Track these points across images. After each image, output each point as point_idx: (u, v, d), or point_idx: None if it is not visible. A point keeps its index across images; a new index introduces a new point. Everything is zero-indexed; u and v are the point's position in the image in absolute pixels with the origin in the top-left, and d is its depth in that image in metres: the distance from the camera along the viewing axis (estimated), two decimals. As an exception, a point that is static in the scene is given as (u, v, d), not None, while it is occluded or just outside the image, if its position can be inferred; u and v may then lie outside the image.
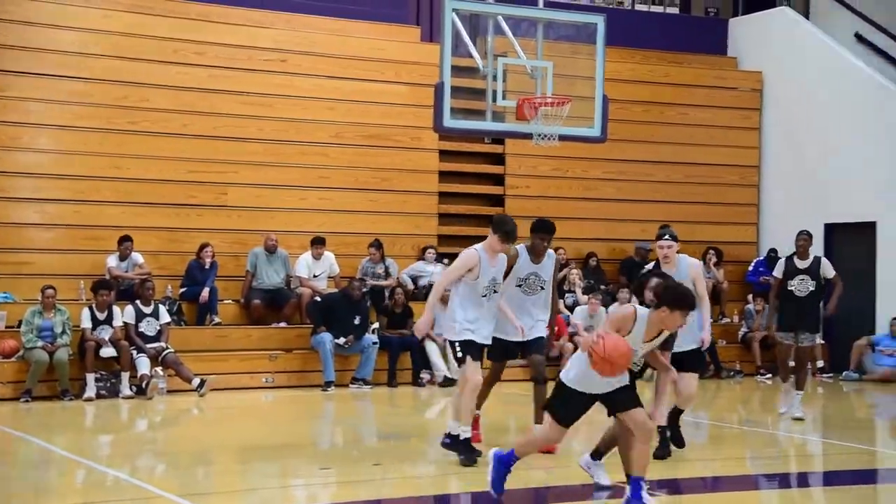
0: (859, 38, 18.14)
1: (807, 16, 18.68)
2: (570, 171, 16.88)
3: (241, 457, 9.32)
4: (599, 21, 11.59)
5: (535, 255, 8.81)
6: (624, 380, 6.60)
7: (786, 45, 18.16)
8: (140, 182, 14.58)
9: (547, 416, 6.83)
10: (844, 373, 15.80)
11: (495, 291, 8.41)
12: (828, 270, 11.65)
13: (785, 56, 18.12)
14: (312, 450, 10.11)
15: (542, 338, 8.91)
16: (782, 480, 8.69)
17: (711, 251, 16.89)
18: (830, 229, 16.79)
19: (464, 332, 8.31)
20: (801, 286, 11.44)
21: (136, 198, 14.54)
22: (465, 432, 8.37)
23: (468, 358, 8.29)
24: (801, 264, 11.57)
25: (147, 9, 14.97)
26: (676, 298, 6.50)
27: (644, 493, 6.71)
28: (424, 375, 14.24)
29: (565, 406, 6.71)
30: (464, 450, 8.36)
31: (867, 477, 8.76)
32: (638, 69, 17.57)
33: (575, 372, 6.63)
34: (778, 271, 11.80)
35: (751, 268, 16.82)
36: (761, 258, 17.19)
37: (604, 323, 6.91)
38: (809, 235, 11.89)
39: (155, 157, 14.70)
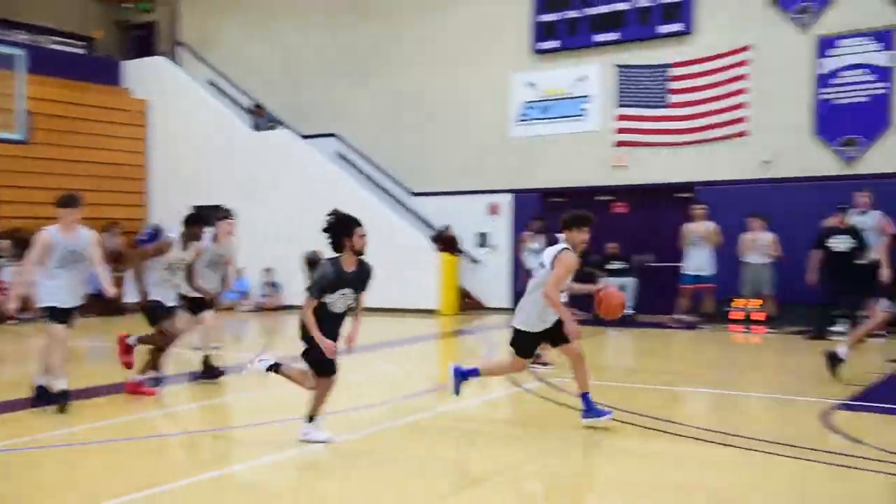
0: (211, 82, 20.12)
1: (177, 63, 20.21)
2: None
3: None
4: (21, 53, 11.90)
5: (188, 239, 7.94)
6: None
7: (163, 82, 19.49)
8: None
9: (512, 352, 6.24)
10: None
11: (75, 262, 7.31)
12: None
13: (163, 90, 19.46)
14: None
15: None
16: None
17: (115, 226, 17.64)
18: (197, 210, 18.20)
19: (46, 298, 7.28)
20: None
21: None
22: (61, 384, 7.25)
23: (48, 320, 7.29)
24: None
25: None
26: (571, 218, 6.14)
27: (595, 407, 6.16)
28: None
29: (526, 344, 6.20)
30: (57, 398, 7.25)
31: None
32: (58, 92, 17.64)
33: (526, 316, 6.17)
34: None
35: (139, 236, 17.74)
36: (149, 230, 17.93)
37: (556, 266, 5.94)
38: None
39: None
